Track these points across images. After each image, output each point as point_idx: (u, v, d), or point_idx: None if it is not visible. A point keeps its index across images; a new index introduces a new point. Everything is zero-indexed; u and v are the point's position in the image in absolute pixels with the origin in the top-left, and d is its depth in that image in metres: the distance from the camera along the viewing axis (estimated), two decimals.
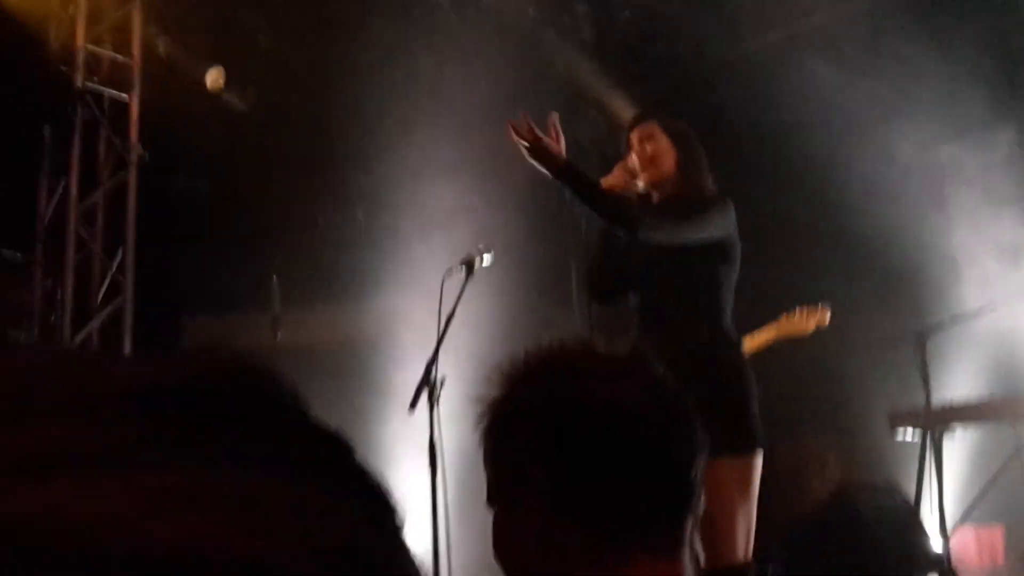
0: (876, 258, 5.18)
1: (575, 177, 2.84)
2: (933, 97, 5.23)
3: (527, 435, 1.03)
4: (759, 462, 2.69)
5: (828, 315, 3.75)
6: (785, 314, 3.86)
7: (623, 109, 6.00)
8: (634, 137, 3.06)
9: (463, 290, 3.77)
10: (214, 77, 5.62)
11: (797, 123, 5.29)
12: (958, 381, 4.61)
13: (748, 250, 5.66)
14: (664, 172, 2.99)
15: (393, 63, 5.71)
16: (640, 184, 3.03)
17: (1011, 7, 5.07)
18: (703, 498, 1.06)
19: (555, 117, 2.96)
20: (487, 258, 3.91)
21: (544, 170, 2.85)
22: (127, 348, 5.19)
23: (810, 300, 5.17)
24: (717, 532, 2.51)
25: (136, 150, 5.46)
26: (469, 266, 3.84)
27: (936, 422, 4.05)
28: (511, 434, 1.05)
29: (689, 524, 1.04)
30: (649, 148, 3.00)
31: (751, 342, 3.87)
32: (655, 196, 3.03)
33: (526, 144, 2.83)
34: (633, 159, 3.02)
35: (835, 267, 5.40)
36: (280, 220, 5.89)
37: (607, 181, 3.01)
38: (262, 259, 5.42)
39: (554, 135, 2.89)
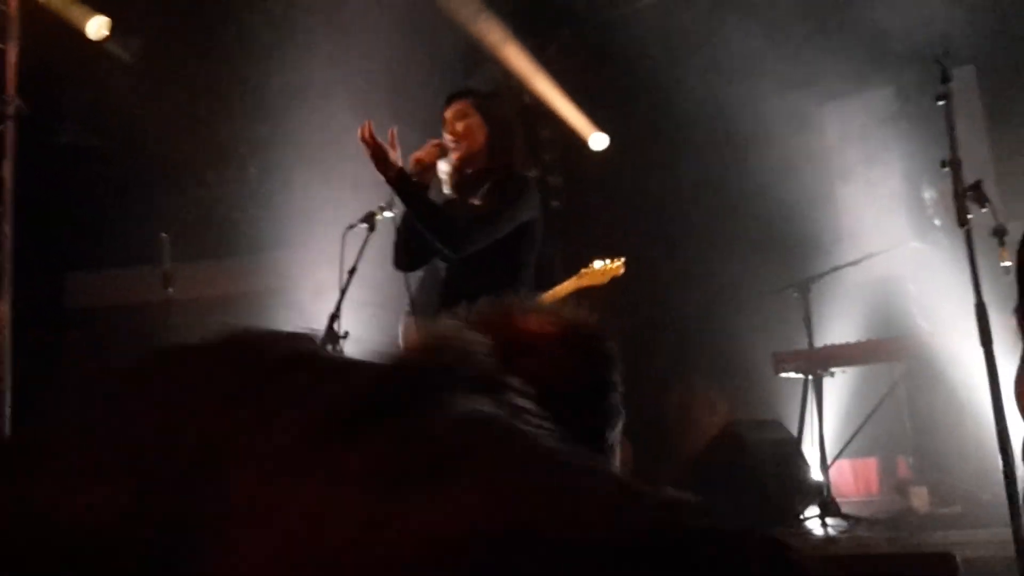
0: (763, 212, 5.37)
1: (406, 187, 3.04)
2: (818, 56, 5.43)
3: None
4: None
5: (622, 267, 3.94)
6: (583, 268, 4.03)
7: (520, 64, 6.03)
8: (448, 114, 3.22)
9: (364, 246, 3.77)
10: (97, 26, 5.38)
11: (684, 78, 5.42)
12: (838, 326, 4.85)
13: (641, 206, 5.81)
14: (473, 148, 3.14)
15: (291, 15, 5.57)
16: (452, 159, 3.17)
17: None
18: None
19: (394, 130, 3.13)
20: (388, 215, 3.91)
21: (381, 175, 3.05)
22: (6, 306, 4.97)
23: (702, 252, 5.36)
24: None
25: (14, 101, 5.18)
26: (371, 222, 3.84)
27: (817, 364, 4.27)
28: None
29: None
30: (460, 125, 3.15)
31: (555, 293, 4.02)
32: (467, 171, 3.17)
33: (369, 149, 3.04)
34: (446, 136, 3.17)
35: (723, 219, 5.59)
36: (170, 175, 5.72)
37: (417, 155, 3.15)
38: (151, 214, 5.26)
39: (391, 145, 3.06)
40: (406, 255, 3.30)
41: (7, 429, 4.73)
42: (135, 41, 5.61)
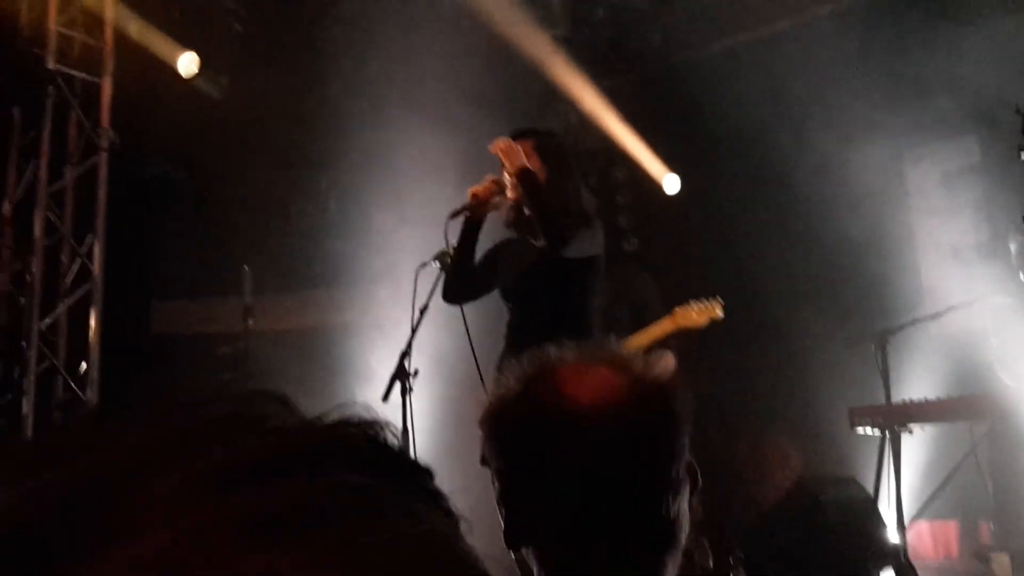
0: (841, 261, 5.29)
1: (529, 179, 3.13)
2: (898, 105, 5.35)
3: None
4: None
5: (720, 309, 3.87)
6: (677, 308, 3.96)
7: (595, 103, 6.07)
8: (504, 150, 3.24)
9: (436, 284, 3.81)
10: (187, 63, 5.58)
11: (764, 125, 5.39)
12: (916, 381, 4.73)
13: (715, 251, 5.76)
14: (507, 198, 3.16)
15: (369, 55, 5.71)
16: (509, 198, 3.19)
17: (979, 24, 5.20)
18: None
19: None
20: None
21: (509, 168, 3.11)
22: (94, 332, 5.15)
23: (777, 301, 5.28)
24: None
25: (107, 134, 5.40)
26: (443, 260, 3.89)
27: (894, 420, 4.16)
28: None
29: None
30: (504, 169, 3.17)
31: (647, 335, 3.98)
32: (525, 211, 3.18)
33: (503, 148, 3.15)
34: (504, 174, 3.19)
35: (799, 268, 5.51)
36: (253, 208, 5.88)
37: (474, 189, 3.18)
38: (234, 246, 5.41)
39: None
40: (459, 287, 3.32)
41: None
42: (223, 77, 5.80)
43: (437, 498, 0.39)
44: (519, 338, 3.06)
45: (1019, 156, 3.44)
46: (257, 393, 0.41)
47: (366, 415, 0.40)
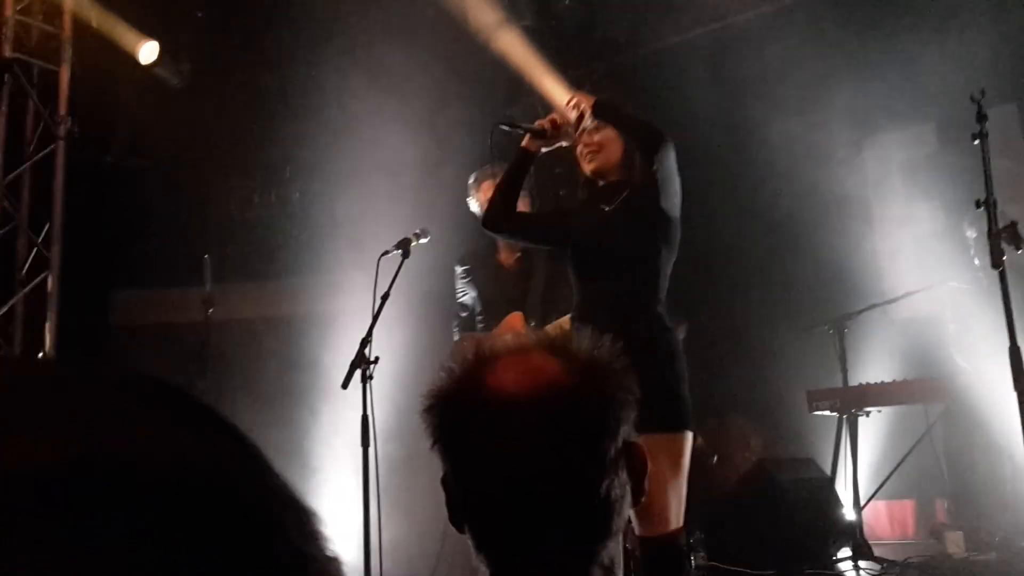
0: (800, 246, 5.34)
1: (608, 107, 3.06)
2: (857, 94, 5.41)
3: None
4: (689, 440, 2.80)
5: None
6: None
7: (561, 94, 6.07)
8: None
9: (398, 271, 3.81)
10: (148, 51, 5.53)
11: (727, 111, 5.43)
12: (873, 364, 4.79)
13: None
14: (611, 161, 3.07)
15: (332, 45, 5.68)
16: (586, 170, 3.12)
17: (939, 14, 5.26)
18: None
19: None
20: (422, 241, 3.96)
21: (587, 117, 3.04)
22: (51, 321, 5.09)
23: (736, 286, 5.32)
24: (652, 504, 2.61)
25: (65, 122, 5.34)
26: (405, 248, 3.88)
27: (852, 402, 4.22)
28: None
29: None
30: (597, 136, 3.08)
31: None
32: (599, 183, 3.11)
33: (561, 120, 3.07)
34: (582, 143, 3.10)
35: (758, 253, 5.55)
36: (214, 197, 5.83)
37: (554, 116, 3.11)
38: (195, 235, 5.36)
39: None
40: (501, 213, 3.20)
41: None
42: (183, 65, 5.74)
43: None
44: (592, 303, 2.98)
45: (974, 143, 3.48)
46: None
47: None
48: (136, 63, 5.46)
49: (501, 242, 4.12)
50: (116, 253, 5.84)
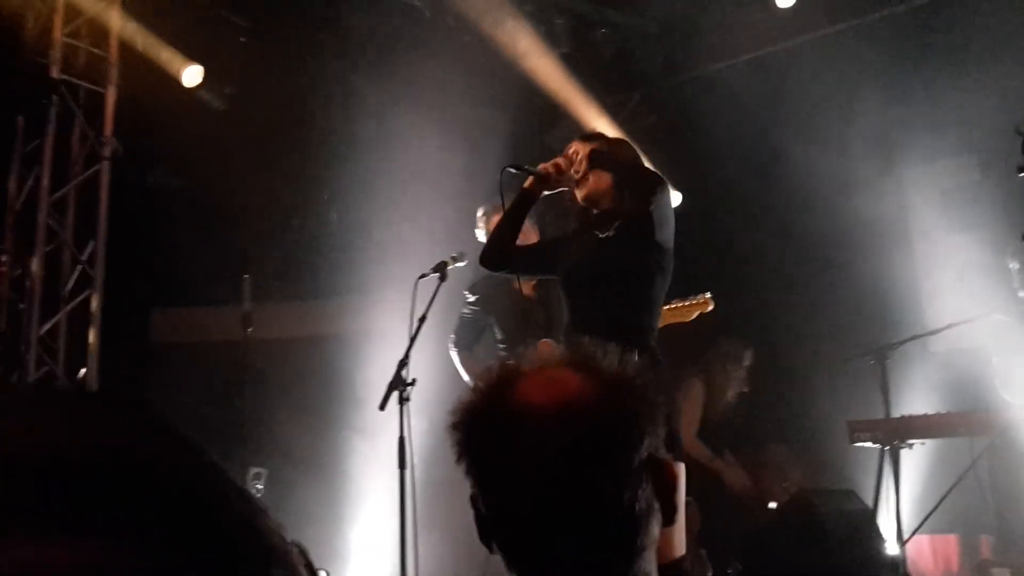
0: (842, 276, 5.30)
1: (602, 156, 3.15)
2: (900, 124, 5.38)
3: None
4: (683, 471, 2.79)
5: (710, 302, 3.87)
6: (667, 304, 3.99)
7: (597, 120, 6.10)
8: (579, 144, 3.22)
9: (435, 294, 3.82)
10: (191, 74, 5.62)
11: (765, 144, 5.41)
12: (916, 396, 4.72)
13: (715, 268, 5.77)
14: (601, 187, 3.13)
15: (374, 70, 5.75)
16: (578, 197, 3.18)
17: (981, 44, 5.24)
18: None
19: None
20: (459, 265, 3.98)
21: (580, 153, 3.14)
22: (93, 338, 5.15)
23: (778, 316, 5.27)
24: None
25: (110, 144, 5.43)
26: (442, 271, 3.90)
27: (894, 434, 4.15)
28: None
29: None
30: (586, 166, 3.15)
31: None
32: (593, 211, 3.17)
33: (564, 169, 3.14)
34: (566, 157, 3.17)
35: (801, 284, 5.51)
36: (254, 218, 5.89)
37: (558, 161, 3.16)
38: (235, 255, 5.42)
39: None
40: (499, 252, 3.27)
41: None
42: (226, 88, 5.83)
43: None
44: (577, 329, 3.03)
45: (1018, 175, 3.44)
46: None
47: None
48: (180, 86, 5.56)
49: None
50: (157, 272, 5.92)
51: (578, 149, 3.17)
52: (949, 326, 4.45)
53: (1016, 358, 4.21)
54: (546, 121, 6.64)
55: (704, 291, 3.94)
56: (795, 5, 5.46)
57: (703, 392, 4.96)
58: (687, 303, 3.90)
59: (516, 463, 1.05)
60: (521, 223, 3.26)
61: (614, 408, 1.07)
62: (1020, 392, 4.15)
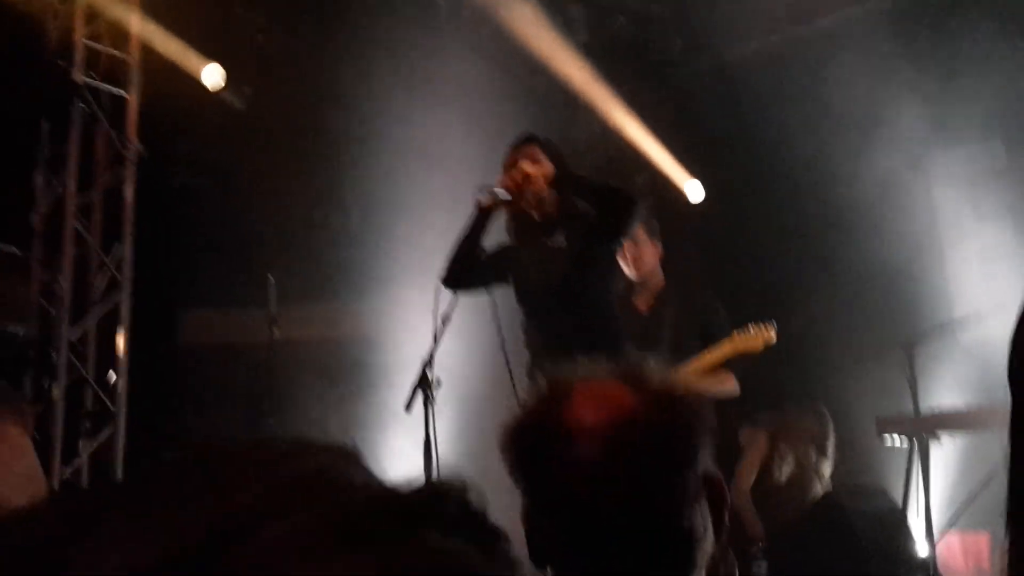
0: (867, 267, 5.24)
1: (568, 173, 3.18)
2: (924, 109, 5.29)
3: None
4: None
5: (774, 333, 3.90)
6: (736, 332, 4.00)
7: (616, 110, 6.06)
8: (520, 154, 3.23)
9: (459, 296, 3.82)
10: (213, 75, 5.64)
11: (787, 131, 5.35)
12: (945, 389, 4.67)
13: (738, 259, 5.73)
14: (541, 190, 3.15)
15: (393, 66, 5.74)
16: (526, 208, 3.19)
17: (1007, 27, 5.14)
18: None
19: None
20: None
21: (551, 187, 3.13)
22: (123, 341, 5.21)
23: (802, 308, 5.23)
24: None
25: (134, 146, 5.47)
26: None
27: (923, 429, 4.12)
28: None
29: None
30: (532, 169, 3.16)
31: (708, 359, 4.01)
32: (535, 216, 3.18)
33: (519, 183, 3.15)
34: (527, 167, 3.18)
35: (826, 275, 5.46)
36: (277, 218, 5.92)
37: (516, 179, 3.17)
38: (259, 256, 5.44)
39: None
40: (461, 272, 3.31)
41: (120, 456, 4.95)
42: (247, 88, 5.85)
43: (516, 566, 0.41)
44: (550, 341, 3.06)
45: None
46: (330, 448, 0.42)
47: (452, 480, 0.42)
48: (201, 87, 5.58)
49: (639, 286, 4.21)
50: (182, 273, 5.97)
51: (524, 165, 3.19)
52: (978, 315, 4.39)
53: None
54: (568, 113, 6.61)
55: (759, 316, 3.97)
56: None
57: (767, 447, 4.58)
58: (754, 333, 3.91)
59: (572, 482, 1.05)
60: (480, 241, 3.31)
61: (669, 424, 1.07)
62: None
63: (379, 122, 5.63)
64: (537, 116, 6.31)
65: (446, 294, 3.78)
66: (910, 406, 4.16)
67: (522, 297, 3.22)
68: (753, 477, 4.57)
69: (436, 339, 3.72)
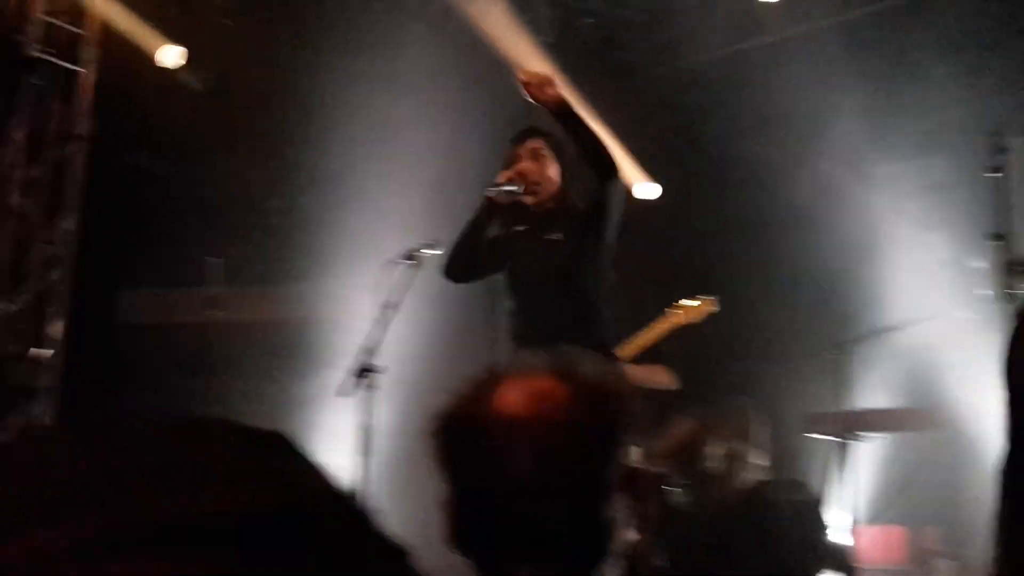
0: (808, 269, 5.36)
1: (571, 111, 3.09)
2: (867, 122, 5.44)
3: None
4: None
5: (713, 303, 3.94)
6: (668, 308, 4.04)
7: (580, 110, 6.11)
8: (521, 151, 3.24)
9: (406, 282, 3.84)
10: (172, 55, 5.63)
11: (737, 134, 5.46)
12: (874, 390, 4.80)
13: (688, 258, 5.80)
14: (550, 190, 3.17)
15: (353, 54, 5.75)
16: (526, 200, 3.21)
17: (945, 46, 5.29)
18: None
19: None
20: (433, 252, 4.00)
21: (550, 107, 3.08)
22: (61, 318, 5.15)
23: (744, 306, 5.34)
24: None
25: (86, 122, 5.44)
26: (414, 260, 3.92)
27: (849, 427, 4.24)
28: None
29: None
30: (535, 165, 3.18)
31: (644, 338, 4.05)
32: (537, 211, 3.21)
33: (535, 84, 3.08)
34: (518, 170, 3.18)
35: (767, 275, 5.57)
36: (228, 201, 5.89)
37: (521, 170, 3.17)
38: (205, 238, 5.41)
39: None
40: (466, 264, 3.29)
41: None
42: (207, 71, 5.84)
43: None
44: (538, 332, 3.08)
45: (988, 176, 3.52)
46: (264, 434, 0.41)
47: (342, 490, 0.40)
48: (158, 67, 5.56)
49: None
50: (128, 252, 5.91)
51: (528, 159, 3.20)
52: (910, 321, 4.53)
53: (973, 356, 4.29)
54: (528, 111, 6.65)
55: (688, 289, 4.01)
56: (778, 0, 5.52)
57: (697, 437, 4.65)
58: (692, 305, 3.95)
59: (491, 474, 1.07)
60: (483, 234, 3.30)
61: (593, 421, 1.09)
62: (974, 389, 4.24)
63: (337, 109, 5.64)
64: (498, 112, 6.36)
65: (393, 280, 3.80)
66: (839, 405, 4.28)
67: (514, 287, 3.23)
68: (668, 455, 4.63)
69: (381, 326, 3.74)
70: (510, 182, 3.19)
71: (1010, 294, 3.08)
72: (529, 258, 3.16)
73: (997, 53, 5.23)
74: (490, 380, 1.13)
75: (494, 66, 5.80)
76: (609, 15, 6.34)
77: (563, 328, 3.00)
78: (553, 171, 3.22)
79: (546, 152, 3.25)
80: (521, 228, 3.27)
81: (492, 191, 3.25)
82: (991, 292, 4.26)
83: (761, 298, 5.47)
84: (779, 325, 5.33)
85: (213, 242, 5.06)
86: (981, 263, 4.63)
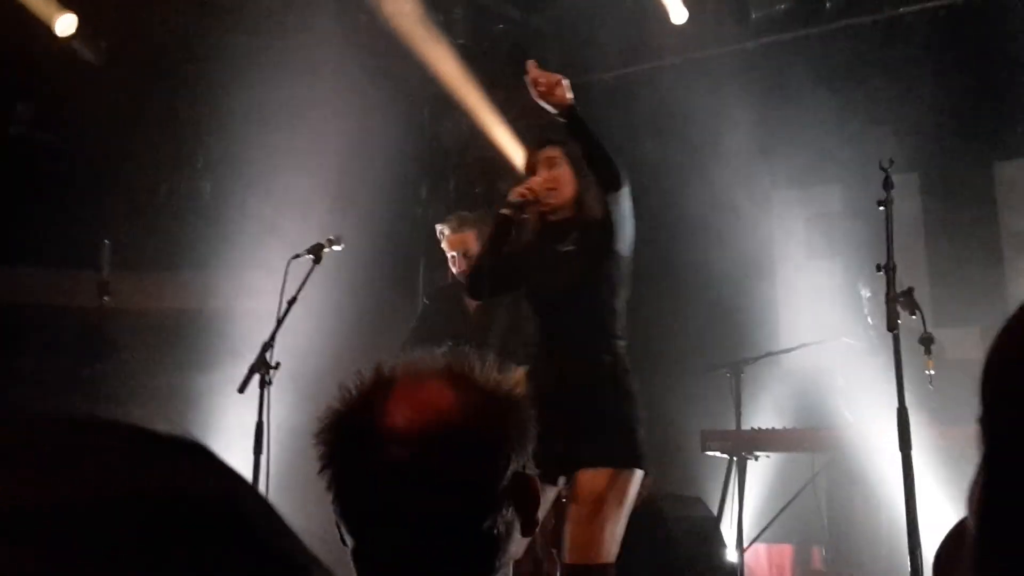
0: (705, 291, 5.48)
1: (578, 116, 3.01)
2: (771, 147, 5.61)
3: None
4: (638, 479, 2.88)
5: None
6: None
7: (487, 113, 6.11)
8: (540, 158, 3.19)
9: (308, 277, 3.75)
10: (65, 23, 5.34)
11: (641, 153, 5.54)
12: (766, 410, 4.95)
13: None
14: (565, 198, 3.13)
15: (260, 41, 5.58)
16: (539, 207, 3.16)
17: (856, 78, 5.51)
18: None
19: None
20: (336, 248, 3.92)
21: (555, 110, 3.00)
22: None
23: (640, 323, 5.41)
24: (588, 533, 2.76)
25: None
26: (317, 254, 3.84)
27: (742, 445, 4.35)
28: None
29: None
30: (551, 174, 3.13)
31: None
32: (551, 220, 3.17)
33: (545, 85, 3.00)
34: (535, 180, 3.13)
35: (664, 293, 5.67)
36: (122, 181, 5.62)
37: (531, 186, 3.11)
38: (96, 218, 5.15)
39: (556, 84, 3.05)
40: (491, 283, 3.20)
41: None
42: (102, 43, 5.56)
43: None
44: (553, 345, 3.02)
45: (878, 208, 3.63)
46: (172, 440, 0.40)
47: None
48: (52, 35, 5.26)
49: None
50: (11, 228, 5.57)
51: (545, 168, 3.13)
52: (801, 346, 4.69)
53: (859, 380, 4.46)
54: (437, 109, 6.61)
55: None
56: (686, 24, 5.63)
57: None
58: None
59: (375, 482, 1.03)
60: (502, 249, 3.22)
61: (482, 433, 1.06)
62: (860, 412, 4.41)
63: (240, 94, 5.46)
64: (407, 107, 6.29)
65: (295, 274, 3.70)
66: (733, 423, 4.38)
67: (532, 300, 3.18)
68: None
69: (280, 321, 3.64)
70: (522, 197, 3.12)
71: (893, 324, 3.20)
72: (545, 271, 3.11)
73: (878, 89, 5.48)
74: (379, 383, 1.08)
75: (402, 57, 5.72)
76: (523, 22, 6.37)
77: (572, 338, 2.99)
78: (569, 180, 3.15)
79: (563, 161, 3.18)
80: (537, 241, 3.21)
81: (506, 208, 3.19)
82: (877, 321, 4.45)
83: (658, 315, 5.55)
84: (677, 345, 5.43)
85: (105, 223, 4.81)
86: (868, 292, 4.83)
